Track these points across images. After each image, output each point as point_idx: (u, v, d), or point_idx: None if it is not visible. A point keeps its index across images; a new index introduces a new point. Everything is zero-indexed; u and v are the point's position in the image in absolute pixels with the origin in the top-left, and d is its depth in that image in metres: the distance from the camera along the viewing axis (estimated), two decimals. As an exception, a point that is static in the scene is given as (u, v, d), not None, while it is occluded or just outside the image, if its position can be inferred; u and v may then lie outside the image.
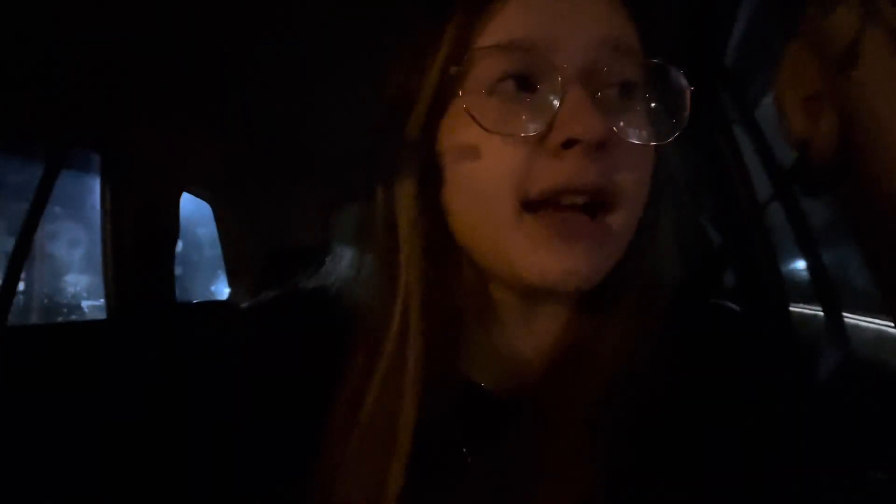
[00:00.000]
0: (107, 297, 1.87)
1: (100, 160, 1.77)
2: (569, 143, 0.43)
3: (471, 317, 0.51)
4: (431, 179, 0.48)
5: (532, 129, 0.44)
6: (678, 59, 0.47)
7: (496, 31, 0.46)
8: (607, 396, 0.44)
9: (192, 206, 2.04)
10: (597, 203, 0.44)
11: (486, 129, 0.45)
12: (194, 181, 1.94)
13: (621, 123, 0.44)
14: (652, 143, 0.46)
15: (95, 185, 1.82)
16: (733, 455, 0.44)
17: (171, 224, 1.90)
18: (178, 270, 2.04)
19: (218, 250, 2.15)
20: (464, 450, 0.47)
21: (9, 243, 1.89)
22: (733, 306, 0.59)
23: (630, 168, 0.45)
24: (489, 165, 0.45)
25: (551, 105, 0.44)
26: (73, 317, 2.19)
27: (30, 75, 1.28)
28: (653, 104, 0.47)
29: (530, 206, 0.45)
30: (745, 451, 0.44)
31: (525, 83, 0.45)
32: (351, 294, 0.55)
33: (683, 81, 0.46)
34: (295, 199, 1.78)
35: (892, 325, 0.47)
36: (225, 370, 0.59)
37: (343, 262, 0.60)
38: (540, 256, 0.45)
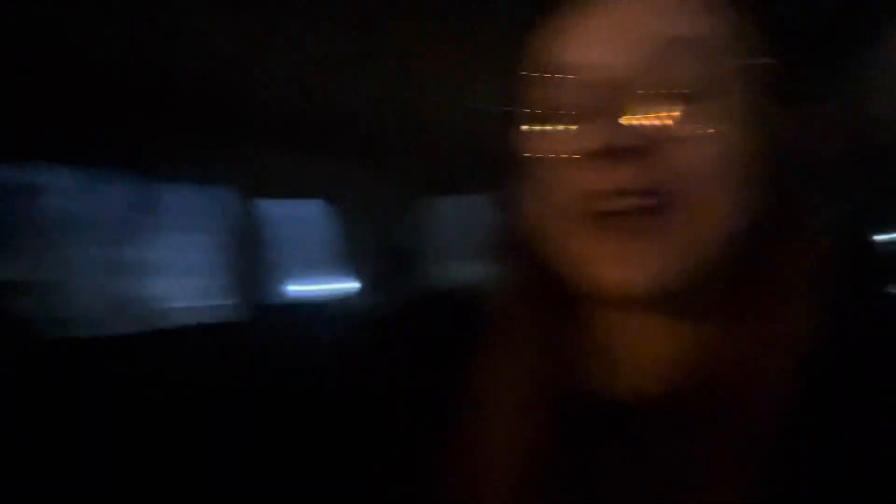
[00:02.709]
0: (223, 299, 1.98)
1: (202, 175, 1.86)
2: (597, 154, 0.43)
3: (586, 325, 0.51)
4: (523, 188, 0.50)
5: (570, 150, 0.45)
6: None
7: (553, 52, 0.47)
8: (757, 404, 0.43)
9: (300, 206, 2.11)
10: (649, 204, 0.43)
11: (529, 153, 0.46)
12: (303, 187, 2.00)
13: (670, 122, 0.43)
14: (713, 135, 0.43)
15: (204, 198, 1.91)
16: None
17: (261, 226, 1.99)
18: (286, 268, 2.12)
19: (322, 248, 2.20)
20: (598, 462, 0.47)
21: (125, 253, 2.02)
22: None
23: (687, 164, 0.43)
24: (551, 178, 0.46)
25: (588, 119, 0.44)
26: (185, 317, 2.34)
27: None
28: (719, 94, 0.44)
29: (581, 213, 0.45)
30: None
31: (570, 104, 0.46)
32: (483, 299, 0.55)
33: (753, 70, 0.44)
34: (408, 196, 1.82)
35: None
36: (361, 374, 0.62)
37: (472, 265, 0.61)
38: (593, 267, 0.45)
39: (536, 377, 0.49)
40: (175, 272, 2.26)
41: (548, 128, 0.47)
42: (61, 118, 1.40)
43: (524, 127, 0.48)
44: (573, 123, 0.45)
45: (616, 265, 0.44)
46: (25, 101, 1.28)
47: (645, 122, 0.43)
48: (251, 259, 1.95)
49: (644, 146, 0.42)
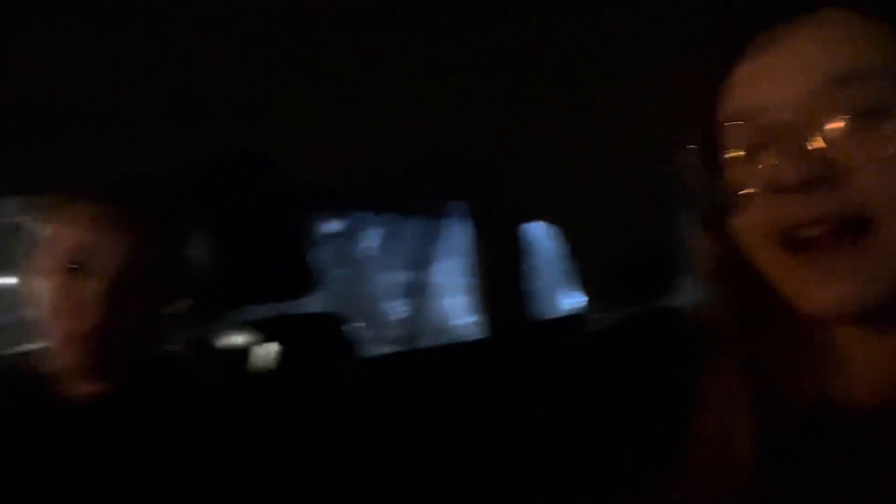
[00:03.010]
0: (479, 316, 2.18)
1: (466, 207, 2.11)
2: (776, 189, 0.46)
3: (800, 340, 0.53)
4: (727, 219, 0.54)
5: (763, 186, 0.48)
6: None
7: (725, 102, 0.52)
8: None
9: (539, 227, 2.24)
10: (843, 229, 0.45)
11: (726, 190, 0.51)
12: (539, 213, 2.16)
13: (857, 148, 0.44)
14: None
15: (464, 228, 2.16)
16: None
17: (522, 251, 2.15)
18: (535, 286, 2.24)
19: (562, 266, 2.25)
20: (813, 471, 0.49)
21: (403, 277, 2.38)
22: None
23: (879, 186, 0.44)
24: (749, 212, 0.50)
25: (762, 159, 0.48)
26: (455, 336, 2.57)
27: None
28: None
29: (781, 242, 0.48)
30: None
31: (757, 143, 0.49)
32: (704, 314, 0.59)
33: None
34: (632, 213, 1.86)
35: None
36: (583, 384, 0.69)
37: (692, 281, 0.63)
38: (798, 289, 0.48)
39: (755, 390, 0.52)
40: (450, 293, 2.59)
41: (739, 166, 0.50)
42: (366, 175, 1.73)
43: (716, 165, 0.52)
44: (763, 160, 0.48)
45: (821, 288, 0.46)
46: (339, 166, 1.63)
47: (832, 150, 0.45)
48: (511, 278, 2.12)
49: (834, 174, 0.45)
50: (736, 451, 0.51)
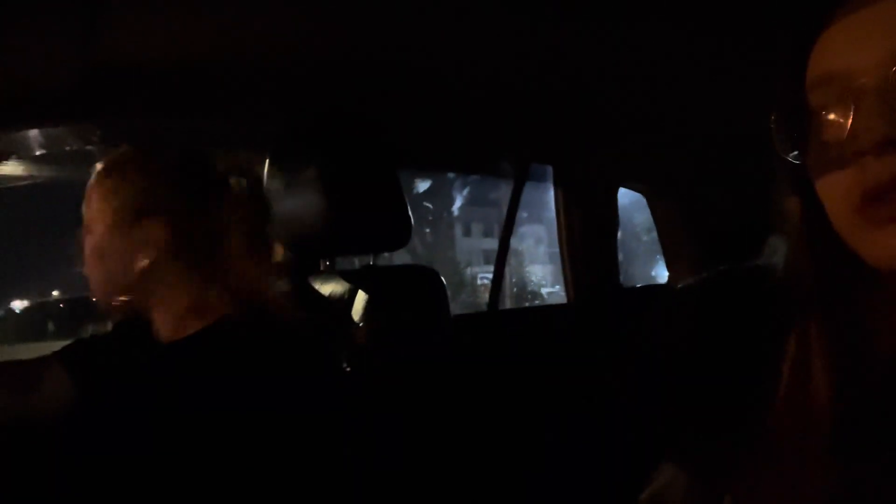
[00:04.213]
0: (565, 283, 2.18)
1: (552, 171, 2.11)
2: (858, 154, 0.46)
3: (882, 296, 0.53)
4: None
5: (833, 154, 0.49)
6: None
7: (811, 66, 0.52)
8: None
9: (628, 196, 2.22)
10: None
11: (788, 159, 0.52)
12: (629, 178, 2.13)
13: None
14: None
15: (550, 193, 2.16)
16: None
17: (610, 217, 2.14)
18: (620, 257, 2.23)
19: (654, 235, 2.29)
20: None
21: (485, 243, 2.41)
22: None
23: None
24: (823, 178, 0.51)
25: (846, 123, 0.48)
26: (537, 301, 2.59)
27: (499, 111, 1.63)
28: None
29: (862, 204, 0.48)
30: None
31: (828, 109, 0.50)
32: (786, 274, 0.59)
33: None
34: (729, 185, 1.82)
35: None
36: (659, 346, 0.70)
37: (779, 247, 0.62)
38: (881, 250, 0.48)
39: (838, 348, 0.52)
40: (534, 259, 2.60)
41: (824, 129, 0.51)
42: (459, 133, 1.76)
43: (803, 128, 0.52)
44: (846, 123, 0.48)
45: (886, 244, 0.47)
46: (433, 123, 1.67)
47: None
48: (597, 245, 2.11)
49: None
50: (819, 408, 0.51)
